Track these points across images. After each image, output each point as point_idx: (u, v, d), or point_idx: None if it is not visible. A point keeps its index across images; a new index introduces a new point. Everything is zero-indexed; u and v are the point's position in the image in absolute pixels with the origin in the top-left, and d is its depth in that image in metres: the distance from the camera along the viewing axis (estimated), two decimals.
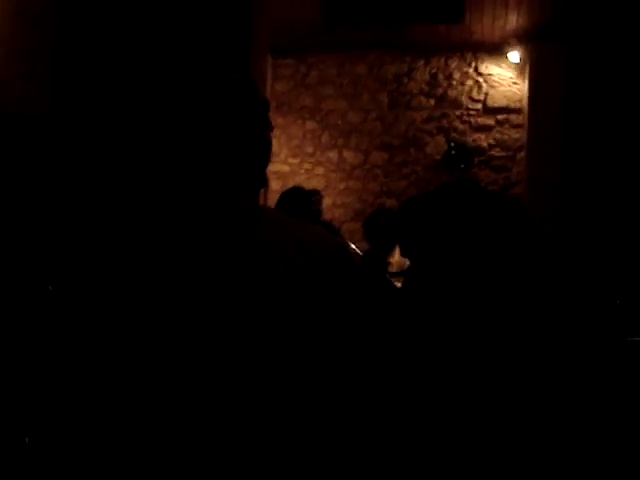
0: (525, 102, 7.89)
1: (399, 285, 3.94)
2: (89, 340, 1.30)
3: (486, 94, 8.15)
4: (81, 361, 1.29)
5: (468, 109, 8.18)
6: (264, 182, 1.57)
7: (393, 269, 4.74)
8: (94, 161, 3.90)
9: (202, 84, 1.45)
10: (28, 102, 4.22)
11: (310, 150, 8.48)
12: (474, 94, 8.19)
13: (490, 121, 8.10)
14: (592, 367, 1.83)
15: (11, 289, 1.58)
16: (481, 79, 8.19)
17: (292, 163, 8.46)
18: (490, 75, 8.16)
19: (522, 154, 7.89)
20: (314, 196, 6.52)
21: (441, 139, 8.09)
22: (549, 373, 1.83)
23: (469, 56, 8.23)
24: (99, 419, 1.26)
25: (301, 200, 5.10)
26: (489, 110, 8.12)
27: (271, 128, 1.55)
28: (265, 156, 1.52)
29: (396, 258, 4.77)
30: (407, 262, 4.02)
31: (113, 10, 4.61)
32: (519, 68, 7.99)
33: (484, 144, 8.06)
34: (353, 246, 5.74)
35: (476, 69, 8.22)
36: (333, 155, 8.42)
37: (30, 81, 4.27)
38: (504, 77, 8.12)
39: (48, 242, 1.67)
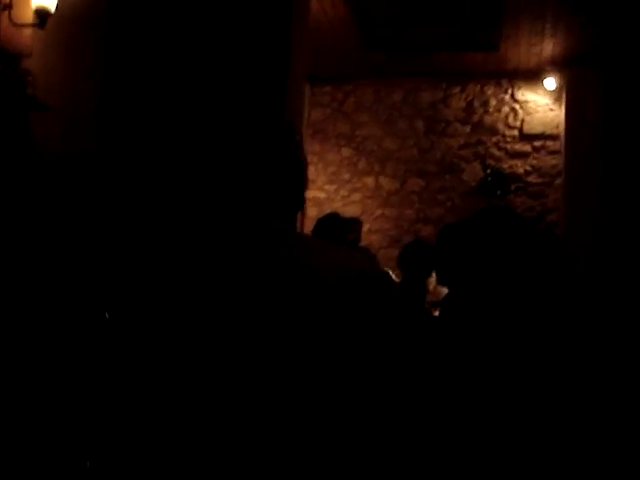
0: (562, 128, 7.87)
1: (436, 314, 3.94)
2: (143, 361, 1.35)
3: (522, 120, 8.15)
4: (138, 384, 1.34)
5: (504, 136, 8.18)
6: (301, 205, 1.60)
7: (430, 298, 4.74)
8: (143, 189, 3.99)
9: (241, 122, 1.51)
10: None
11: (347, 177, 8.54)
12: (510, 121, 8.19)
13: (526, 147, 8.09)
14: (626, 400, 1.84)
15: (73, 318, 1.65)
16: (517, 106, 8.19)
17: (328, 190, 8.52)
18: (526, 102, 8.16)
19: (559, 181, 7.86)
20: (355, 224, 6.57)
21: (477, 166, 8.10)
22: (584, 403, 1.84)
23: (505, 83, 8.25)
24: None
25: (337, 227, 5.11)
26: (525, 136, 8.11)
27: (303, 151, 1.60)
28: (301, 178, 1.57)
29: (432, 287, 4.78)
30: (444, 291, 4.03)
31: (158, 36, 4.73)
32: (555, 95, 7.98)
33: (520, 170, 8.04)
34: (390, 272, 5.75)
35: (512, 96, 8.23)
36: (369, 181, 8.47)
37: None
38: (540, 104, 8.11)
39: (105, 271, 1.73)
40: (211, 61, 4.74)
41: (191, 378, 1.31)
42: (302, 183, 1.58)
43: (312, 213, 7.64)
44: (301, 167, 1.57)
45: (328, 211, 6.09)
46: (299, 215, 6.87)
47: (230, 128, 1.51)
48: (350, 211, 8.08)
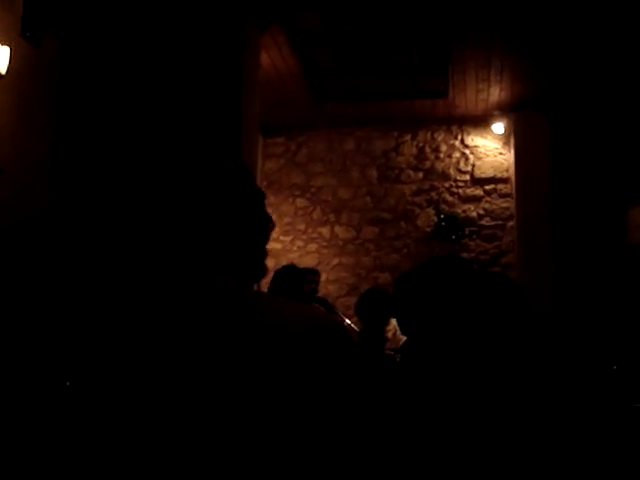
0: (512, 171, 8.01)
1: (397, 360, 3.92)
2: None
3: (473, 165, 8.27)
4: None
5: (456, 180, 8.29)
6: (263, 271, 1.59)
7: (390, 345, 4.72)
8: (96, 252, 3.94)
9: (196, 173, 1.49)
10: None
11: (302, 227, 8.55)
12: (461, 165, 8.31)
13: (478, 191, 8.20)
14: (593, 433, 1.83)
15: (32, 386, 1.60)
16: (467, 151, 8.32)
17: (284, 241, 8.51)
18: (476, 146, 8.30)
19: (512, 223, 7.96)
20: (312, 275, 6.55)
21: (431, 211, 8.19)
22: (549, 443, 1.83)
23: (455, 129, 8.39)
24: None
25: (294, 278, 5.09)
26: (477, 181, 8.22)
27: (269, 219, 1.58)
28: (259, 243, 1.55)
29: (392, 334, 4.77)
30: (404, 337, 4.02)
31: (111, 94, 4.72)
32: (504, 139, 8.14)
33: (474, 214, 8.14)
34: (348, 321, 5.73)
35: (462, 141, 8.36)
36: (325, 231, 8.49)
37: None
38: (490, 148, 8.25)
39: (63, 336, 1.69)
40: (163, 118, 4.74)
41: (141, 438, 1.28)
42: (261, 247, 1.56)
43: (268, 265, 7.56)
44: (259, 232, 1.56)
45: (285, 262, 6.07)
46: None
47: (185, 185, 1.50)
48: (307, 261, 8.08)
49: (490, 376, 1.95)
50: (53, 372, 1.62)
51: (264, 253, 1.57)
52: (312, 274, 6.62)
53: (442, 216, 8.02)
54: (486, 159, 8.25)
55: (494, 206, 8.13)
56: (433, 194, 8.30)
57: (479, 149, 8.29)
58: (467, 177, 8.26)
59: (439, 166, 8.37)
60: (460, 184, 8.26)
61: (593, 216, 7.38)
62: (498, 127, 8.00)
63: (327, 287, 8.02)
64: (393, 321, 4.56)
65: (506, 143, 8.14)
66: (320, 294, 6.66)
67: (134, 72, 4.81)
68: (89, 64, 4.90)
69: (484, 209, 8.14)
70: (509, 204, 8.06)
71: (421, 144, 8.48)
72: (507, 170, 8.12)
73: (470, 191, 8.22)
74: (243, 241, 1.49)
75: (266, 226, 1.57)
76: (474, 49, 6.29)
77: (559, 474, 1.78)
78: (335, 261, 8.38)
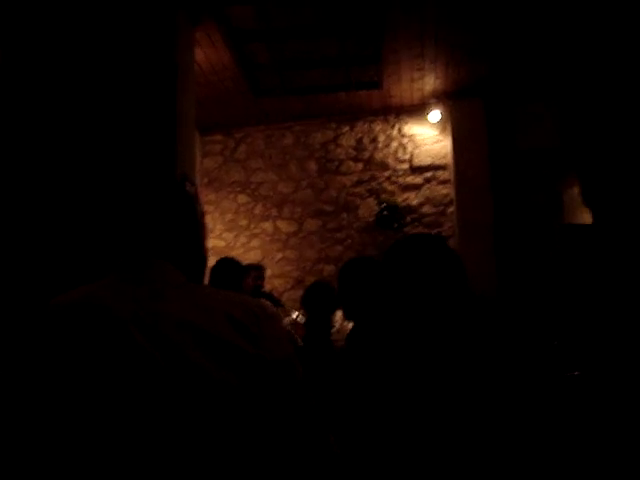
0: (449, 158, 8.11)
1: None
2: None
3: (411, 154, 8.35)
4: None
5: (395, 170, 8.35)
6: (204, 261, 1.63)
7: (337, 336, 4.75)
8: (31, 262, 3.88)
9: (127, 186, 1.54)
10: None
11: (244, 223, 8.53)
12: (400, 155, 8.37)
13: (418, 179, 8.28)
14: (533, 402, 1.88)
15: None
16: (405, 140, 8.40)
17: (227, 238, 8.48)
18: (413, 135, 8.38)
19: (452, 209, 8.06)
20: (257, 271, 6.53)
21: (372, 201, 8.24)
22: (491, 412, 1.87)
23: (392, 118, 8.45)
24: None
25: (232, 270, 5.04)
26: (416, 169, 8.30)
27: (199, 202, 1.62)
28: (196, 235, 1.58)
29: (339, 325, 4.79)
30: (350, 325, 4.06)
31: (44, 96, 4.62)
32: (441, 126, 8.23)
33: (414, 202, 8.21)
34: (295, 314, 5.73)
35: (400, 130, 8.43)
36: (268, 226, 8.48)
37: None
38: (427, 136, 8.34)
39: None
40: (96, 120, 4.67)
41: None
42: (199, 236, 1.60)
43: (212, 262, 7.57)
44: (195, 220, 1.60)
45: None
46: None
47: (121, 188, 1.53)
48: (251, 257, 8.07)
49: (432, 352, 1.98)
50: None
51: (201, 245, 1.62)
52: (257, 269, 6.61)
53: (383, 205, 8.07)
54: (424, 147, 8.33)
55: (434, 193, 8.22)
56: (373, 184, 8.35)
57: (417, 137, 8.37)
58: (406, 166, 8.33)
59: (378, 156, 8.43)
60: (400, 173, 8.33)
61: (530, 198, 7.53)
62: (434, 115, 8.08)
63: (273, 282, 8.03)
64: (339, 312, 4.59)
65: (443, 130, 8.23)
66: (266, 289, 6.66)
67: (61, 74, 4.71)
68: (14, 70, 4.79)
69: (424, 196, 8.22)
70: (448, 190, 8.16)
71: (359, 135, 8.53)
72: (445, 157, 8.22)
73: (410, 179, 8.29)
74: (177, 237, 1.53)
75: (196, 221, 1.62)
76: (407, 38, 6.34)
77: (503, 442, 1.82)
78: (279, 255, 8.38)
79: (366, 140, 8.50)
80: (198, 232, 1.61)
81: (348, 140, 8.54)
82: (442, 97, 7.90)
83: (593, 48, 6.31)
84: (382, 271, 2.29)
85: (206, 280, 5.11)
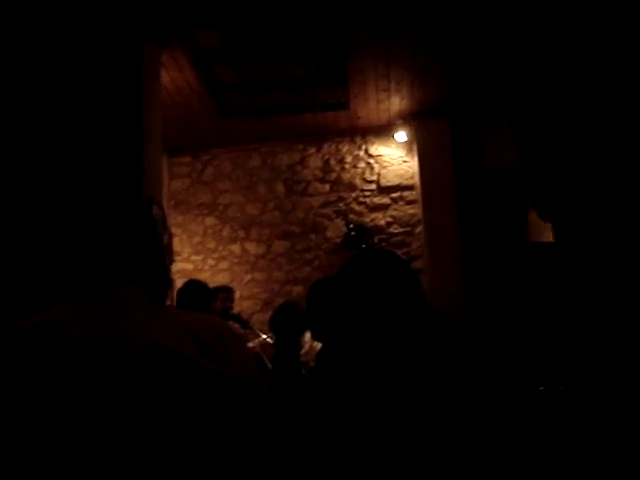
0: (417, 179, 8.14)
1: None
2: None
3: (378, 174, 8.38)
4: None
5: (363, 190, 8.37)
6: (168, 282, 1.63)
7: (305, 357, 4.73)
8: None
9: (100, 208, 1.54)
10: None
11: (212, 246, 8.49)
12: (367, 175, 8.40)
13: (385, 200, 8.30)
14: (509, 415, 1.88)
15: None
16: (372, 160, 8.43)
17: (195, 260, 8.43)
18: (380, 156, 8.41)
19: (419, 229, 8.09)
20: (226, 293, 6.51)
21: (340, 222, 8.25)
22: (460, 424, 1.86)
23: (359, 139, 8.48)
24: None
25: (198, 292, 5.02)
26: (383, 189, 8.33)
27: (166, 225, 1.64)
28: (159, 257, 1.57)
29: (308, 346, 4.78)
30: (319, 346, 4.05)
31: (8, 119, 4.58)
32: (407, 146, 8.28)
33: (382, 222, 8.24)
34: (264, 336, 5.71)
35: (366, 151, 8.46)
36: (235, 248, 8.45)
37: None
38: (394, 157, 8.37)
39: None
40: (62, 141, 4.63)
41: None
42: (162, 261, 1.60)
43: (180, 285, 7.53)
44: (159, 243, 1.60)
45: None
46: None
47: (84, 209, 1.52)
48: (219, 279, 8.02)
49: (391, 368, 1.98)
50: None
51: (164, 266, 1.61)
52: (226, 291, 6.58)
53: (351, 226, 8.08)
54: (391, 167, 8.37)
55: (401, 213, 8.25)
56: (341, 205, 8.36)
57: (383, 158, 8.40)
58: (373, 186, 8.36)
59: (345, 177, 8.44)
60: (367, 193, 8.35)
61: (497, 217, 7.59)
62: (401, 135, 8.13)
63: (241, 304, 7.97)
64: (308, 334, 4.58)
65: (410, 151, 8.28)
66: (235, 311, 6.63)
67: (23, 84, 4.67)
68: None
69: (392, 216, 8.25)
70: (416, 210, 8.19)
71: (326, 156, 8.54)
72: (412, 177, 8.26)
73: (377, 200, 8.32)
74: (140, 259, 1.53)
75: (159, 242, 1.63)
76: (373, 58, 6.38)
77: (467, 455, 1.82)
78: (248, 277, 8.34)
79: (333, 161, 8.52)
80: (161, 254, 1.61)
81: (315, 161, 8.55)
82: (408, 117, 7.95)
83: (549, 66, 6.39)
84: (336, 290, 2.31)
85: (174, 303, 5.08)
